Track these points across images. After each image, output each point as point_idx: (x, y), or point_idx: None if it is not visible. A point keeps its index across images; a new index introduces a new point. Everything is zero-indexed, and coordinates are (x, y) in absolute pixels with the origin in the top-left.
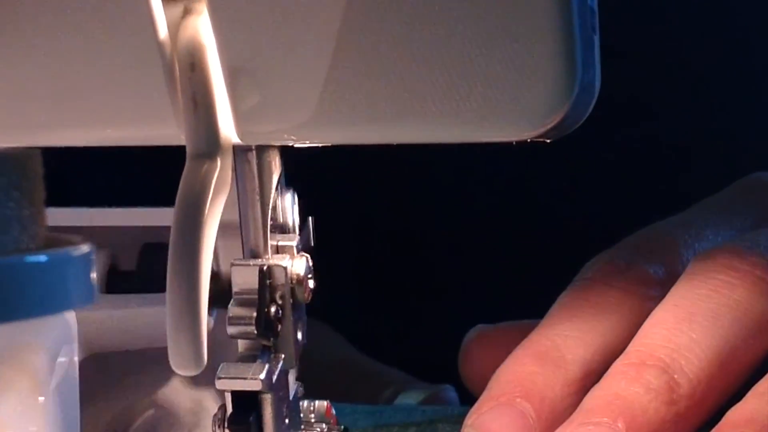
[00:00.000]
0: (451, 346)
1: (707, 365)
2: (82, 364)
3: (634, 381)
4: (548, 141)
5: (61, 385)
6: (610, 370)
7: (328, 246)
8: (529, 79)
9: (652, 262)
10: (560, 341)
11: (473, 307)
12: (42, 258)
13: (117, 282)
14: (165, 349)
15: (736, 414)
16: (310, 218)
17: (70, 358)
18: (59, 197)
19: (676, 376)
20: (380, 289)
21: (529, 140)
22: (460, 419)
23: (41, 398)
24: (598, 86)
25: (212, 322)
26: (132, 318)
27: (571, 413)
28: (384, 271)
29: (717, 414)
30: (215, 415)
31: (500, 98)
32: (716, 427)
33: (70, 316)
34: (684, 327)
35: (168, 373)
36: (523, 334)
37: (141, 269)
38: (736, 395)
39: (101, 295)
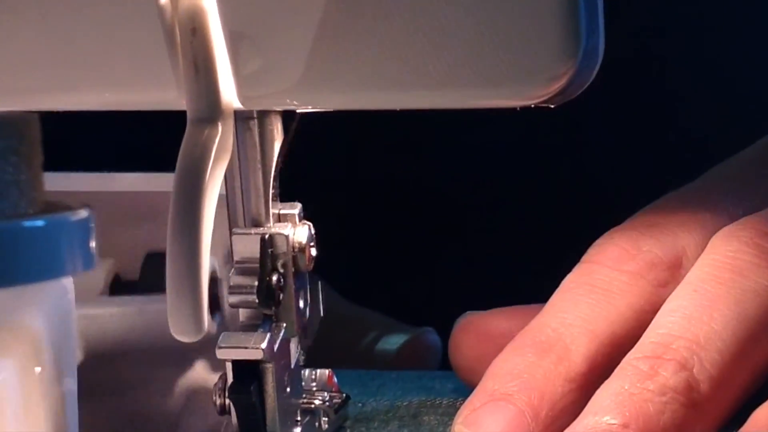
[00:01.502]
0: (434, 290)
1: (730, 360)
2: (83, 365)
3: (648, 378)
4: (552, 106)
5: (58, 350)
6: (621, 365)
7: (315, 194)
8: (533, 44)
9: (665, 242)
10: (563, 330)
11: (459, 253)
12: (40, 223)
13: (120, 291)
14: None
15: (763, 414)
16: None
17: (68, 324)
18: (57, 162)
19: (695, 373)
20: (364, 235)
21: (533, 105)
22: (447, 410)
23: (38, 368)
24: (602, 51)
25: (216, 325)
26: (134, 316)
27: (572, 411)
28: (369, 219)
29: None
30: (215, 384)
31: (504, 63)
32: (742, 429)
33: (68, 282)
34: (705, 316)
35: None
36: (515, 320)
37: (144, 278)
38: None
39: (104, 298)
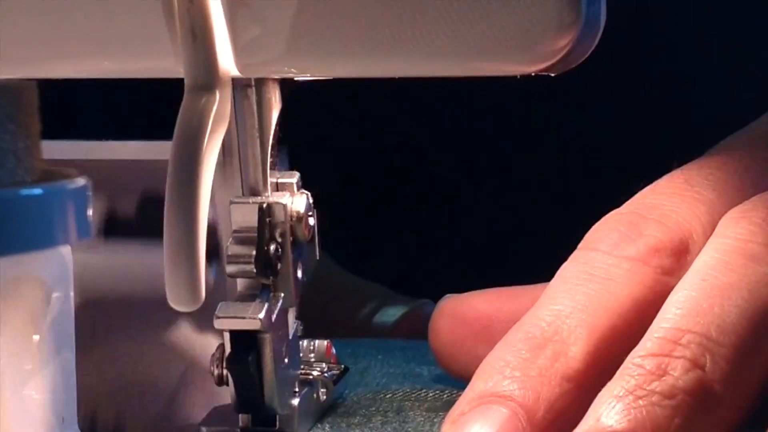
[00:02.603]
0: (433, 261)
1: (746, 355)
2: (79, 311)
3: (655, 379)
4: (553, 75)
5: (56, 320)
6: (624, 364)
7: (313, 164)
8: (533, 12)
9: (669, 225)
10: (559, 324)
11: (460, 225)
12: (37, 191)
13: (115, 228)
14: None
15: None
16: None
17: (65, 294)
18: (55, 130)
19: (708, 371)
20: (363, 206)
21: (533, 74)
22: (434, 404)
23: (36, 336)
24: (604, 19)
25: (213, 277)
26: (130, 264)
27: (571, 412)
28: (369, 189)
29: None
30: (213, 354)
31: (504, 31)
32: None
33: (66, 251)
34: (716, 307)
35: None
36: (494, 303)
37: (140, 215)
38: None
39: (99, 241)
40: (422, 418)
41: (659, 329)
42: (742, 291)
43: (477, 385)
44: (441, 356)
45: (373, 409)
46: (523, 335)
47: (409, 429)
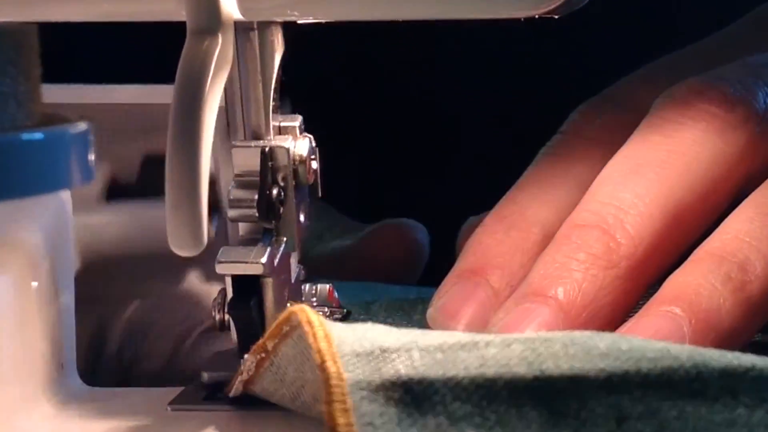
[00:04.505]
0: (436, 207)
1: (651, 222)
2: (81, 272)
3: (576, 249)
4: (557, 17)
5: (55, 265)
6: (555, 236)
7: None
8: None
9: (626, 105)
10: (526, 204)
11: (462, 171)
12: (38, 135)
13: (117, 173)
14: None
15: (666, 289)
16: None
17: (65, 238)
18: (56, 74)
19: (618, 237)
20: (364, 152)
21: (537, 16)
22: None
23: (35, 282)
24: None
25: (214, 228)
26: (131, 223)
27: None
28: (369, 135)
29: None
30: (215, 299)
31: None
32: (648, 302)
33: (66, 196)
34: (630, 181)
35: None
36: None
37: (142, 182)
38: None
39: (100, 205)
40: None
41: (585, 202)
42: (654, 165)
43: (457, 265)
44: None
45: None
46: (497, 217)
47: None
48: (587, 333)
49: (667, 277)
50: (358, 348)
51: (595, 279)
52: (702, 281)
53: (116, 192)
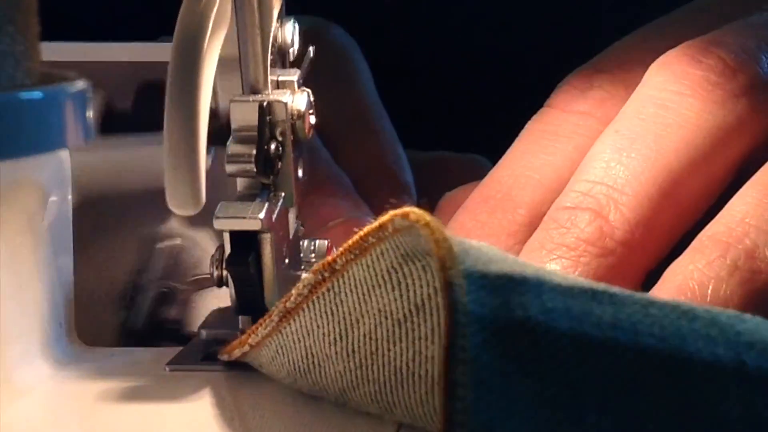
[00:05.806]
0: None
1: (648, 202)
2: (78, 209)
3: (565, 234)
4: None
5: (54, 225)
6: (543, 219)
7: None
8: None
9: (618, 77)
10: (511, 183)
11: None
12: (37, 94)
13: (112, 123)
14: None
15: (667, 279)
16: (311, 48)
17: (63, 198)
18: (54, 32)
19: (611, 219)
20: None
21: None
22: None
23: (33, 242)
24: None
25: (210, 160)
26: (127, 159)
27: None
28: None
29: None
30: (213, 255)
31: None
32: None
33: (65, 155)
34: (623, 158)
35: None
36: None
37: (137, 109)
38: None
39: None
40: None
41: (576, 182)
42: (647, 140)
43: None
44: None
45: None
46: (481, 197)
47: None
48: (733, 313)
49: (667, 265)
50: (483, 269)
51: (587, 268)
52: (706, 271)
53: (112, 130)
